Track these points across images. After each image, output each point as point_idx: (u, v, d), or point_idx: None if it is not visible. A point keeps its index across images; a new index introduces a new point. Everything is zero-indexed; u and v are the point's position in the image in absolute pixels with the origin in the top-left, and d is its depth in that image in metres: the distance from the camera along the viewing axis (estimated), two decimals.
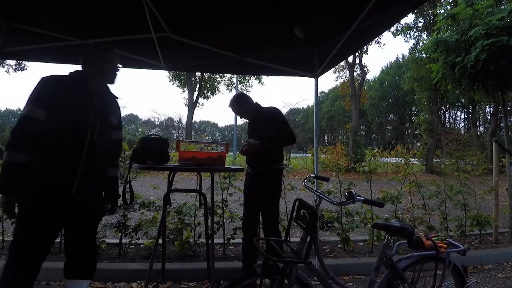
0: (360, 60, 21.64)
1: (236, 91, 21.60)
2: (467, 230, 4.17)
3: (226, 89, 26.23)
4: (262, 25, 2.56)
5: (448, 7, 9.99)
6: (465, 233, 4.15)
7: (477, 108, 31.02)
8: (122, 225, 3.18)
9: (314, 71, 3.15)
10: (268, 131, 2.49)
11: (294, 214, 1.61)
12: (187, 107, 26.49)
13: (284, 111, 22.97)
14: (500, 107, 4.54)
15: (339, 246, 3.71)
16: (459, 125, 39.77)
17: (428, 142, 20.60)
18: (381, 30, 2.42)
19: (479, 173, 4.41)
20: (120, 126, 1.88)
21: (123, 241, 3.23)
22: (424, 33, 20.49)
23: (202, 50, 2.94)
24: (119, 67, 1.76)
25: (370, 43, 19.84)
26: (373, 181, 4.16)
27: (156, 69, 3.26)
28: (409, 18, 22.38)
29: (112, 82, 1.77)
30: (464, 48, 4.28)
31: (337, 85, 31.80)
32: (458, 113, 39.27)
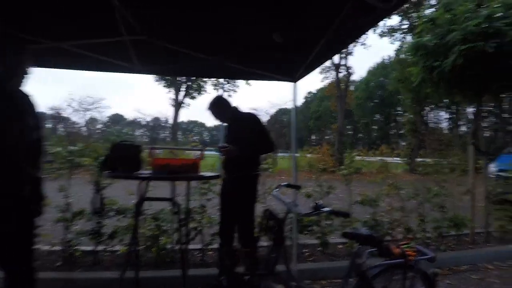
0: (346, 61, 21.86)
1: (223, 91, 21.52)
2: (445, 232, 4.27)
3: (214, 89, 26.03)
4: (242, 29, 2.52)
5: (429, 11, 10.17)
6: (442, 234, 4.25)
7: (459, 108, 31.83)
8: (96, 232, 3.10)
9: (293, 76, 3.15)
10: (244, 137, 2.46)
11: (264, 224, 1.60)
12: (173, 107, 26.24)
13: (271, 111, 22.98)
14: (480, 108, 4.67)
15: (318, 249, 3.73)
16: (442, 125, 40.71)
17: (411, 141, 21.04)
18: (354, 36, 2.44)
19: (458, 175, 4.52)
20: (38, 126, 1.80)
21: (99, 248, 3.15)
22: (409, 35, 20.87)
23: (180, 53, 2.88)
24: (30, 69, 1.73)
25: (347, 48, 19.98)
26: (357, 181, 4.21)
27: (132, 73, 3.17)
28: (395, 21, 22.74)
29: (20, 84, 1.73)
30: (442, 52, 4.35)
31: (324, 85, 32.02)
32: (442, 113, 40.16)
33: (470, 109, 18.38)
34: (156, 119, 54.66)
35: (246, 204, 2.53)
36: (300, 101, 73.60)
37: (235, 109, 2.76)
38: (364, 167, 19.51)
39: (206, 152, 2.99)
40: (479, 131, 7.82)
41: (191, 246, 3.36)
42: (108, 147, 2.31)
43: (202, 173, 2.48)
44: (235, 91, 25.07)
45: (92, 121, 39.41)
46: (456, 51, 3.93)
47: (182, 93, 26.42)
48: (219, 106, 2.73)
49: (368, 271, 1.74)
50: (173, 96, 26.25)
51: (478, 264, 3.75)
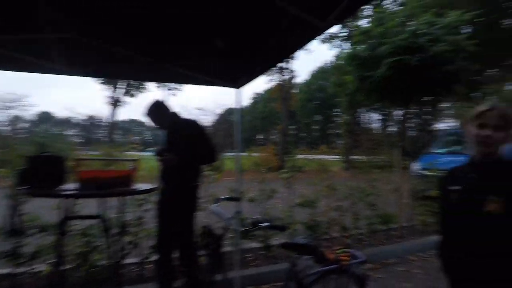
0: (290, 65, 22.66)
1: (167, 90, 20.62)
2: (375, 228, 4.66)
3: (156, 87, 24.89)
4: (184, 31, 2.40)
5: (364, 21, 11.05)
6: (373, 230, 4.63)
7: (389, 111, 35.16)
8: (14, 253, 2.71)
9: (236, 82, 3.12)
10: (185, 145, 2.34)
11: (201, 241, 1.54)
12: (110, 105, 24.44)
13: (218, 111, 22.75)
14: (406, 111, 5.22)
15: (261, 253, 3.78)
16: (374, 125, 44.65)
17: (347, 141, 22.72)
18: (299, 45, 2.48)
19: (387, 172, 4.95)
20: None
21: (18, 270, 2.75)
22: (347, 43, 22.40)
23: (116, 54, 2.63)
24: None
25: (288, 60, 20.72)
26: (299, 179, 4.34)
27: (56, 74, 2.82)
28: (334, 28, 24.21)
29: None
30: (374, 63, 4.72)
31: (270, 86, 32.75)
32: (374, 114, 44.05)
33: (398, 112, 20.55)
34: (91, 118, 50.45)
35: (185, 216, 2.40)
36: (247, 101, 74.21)
37: (174, 114, 2.62)
38: (306, 165, 20.55)
39: (147, 154, 2.80)
40: (405, 132, 8.72)
41: (127, 261, 3.14)
42: (27, 156, 2.01)
43: (137, 186, 2.30)
44: (179, 90, 24.24)
45: (15, 120, 34.80)
46: (386, 63, 4.31)
47: (121, 91, 24.73)
48: (157, 112, 2.57)
49: (305, 279, 1.79)
50: (110, 94, 24.47)
51: (404, 257, 4.15)
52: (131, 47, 2.59)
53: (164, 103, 2.67)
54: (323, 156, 24.86)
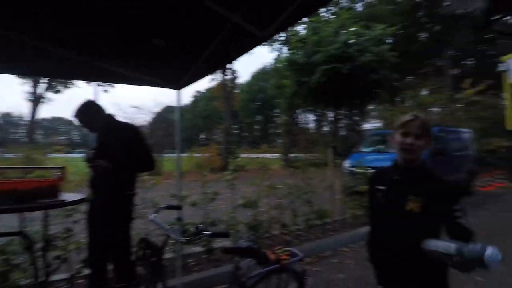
0: (232, 65, 22.78)
1: (97, 86, 18.95)
2: (312, 223, 4.97)
3: (85, 82, 22.66)
4: (120, 29, 2.23)
5: (301, 27, 11.63)
6: (310, 225, 4.93)
7: (323, 112, 37.63)
8: None
9: (177, 84, 3.04)
10: (120, 152, 2.15)
11: (139, 254, 1.47)
12: (31, 102, 21.56)
13: (155, 110, 21.73)
14: (339, 112, 5.66)
15: (204, 257, 3.74)
16: (310, 125, 47.38)
17: (286, 140, 23.76)
18: (240, 53, 2.50)
19: (321, 169, 5.30)
20: None
21: None
22: (285, 47, 23.33)
23: (42, 51, 2.33)
24: None
25: (229, 65, 20.91)
26: (242, 178, 4.39)
27: None
28: None
29: None
30: (310, 70, 5.01)
31: (212, 85, 32.42)
32: (310, 115, 46.74)
33: (331, 114, 22.14)
34: (7, 116, 43.97)
35: (119, 227, 2.22)
36: (188, 99, 72.28)
37: (109, 117, 2.41)
38: (248, 164, 20.87)
39: (75, 155, 2.52)
40: (337, 132, 9.44)
41: (55, 277, 2.83)
42: None
43: (64, 195, 2.07)
44: (112, 86, 22.41)
45: None
46: (320, 70, 4.61)
47: (43, 86, 21.97)
48: (89, 113, 2.32)
49: (247, 281, 1.83)
50: (31, 89, 21.59)
51: (338, 249, 4.49)
52: (62, 44, 2.33)
53: (97, 103, 2.44)
54: (264, 155, 25.56)
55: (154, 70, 2.91)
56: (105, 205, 2.16)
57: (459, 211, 1.29)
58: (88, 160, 2.19)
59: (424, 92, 16.44)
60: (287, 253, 2.04)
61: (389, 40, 20.32)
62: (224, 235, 1.47)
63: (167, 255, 2.74)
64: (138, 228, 3.42)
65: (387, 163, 1.59)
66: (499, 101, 16.93)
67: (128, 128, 2.35)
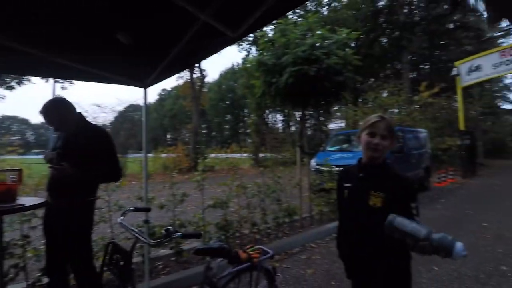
0: (200, 64, 22.47)
1: (54, 82, 17.77)
2: (281, 221, 5.06)
3: (42, 79, 21.04)
4: (82, 23, 2.11)
5: (270, 28, 11.77)
6: (279, 223, 5.01)
7: (290, 112, 38.38)
8: None
9: (143, 82, 2.95)
10: (87, 157, 2.01)
11: (107, 259, 1.42)
12: None
13: (118, 108, 20.87)
14: (306, 112, 5.80)
15: (172, 259, 3.67)
16: (278, 125, 48.18)
17: (255, 140, 23.95)
18: (209, 52, 2.48)
19: (289, 168, 5.42)
20: None
21: None
22: (254, 47, 23.46)
23: None
24: None
25: (199, 63, 20.78)
26: (211, 178, 4.35)
27: None
28: None
29: None
30: (278, 71, 5.09)
31: (179, 84, 31.70)
32: (278, 115, 47.53)
33: (298, 114, 22.61)
34: None
35: (79, 233, 2.07)
36: (154, 98, 70.18)
37: (80, 117, 2.22)
38: (217, 164, 20.72)
39: (31, 157, 2.32)
40: (304, 131, 9.68)
41: (12, 287, 2.63)
42: None
43: (20, 199, 1.92)
44: (72, 83, 21.02)
45: None
46: (288, 72, 4.70)
47: None
48: (60, 111, 2.11)
49: (219, 281, 1.84)
50: None
51: (306, 245, 4.62)
52: (16, 37, 2.16)
53: (68, 101, 2.25)
54: (234, 154, 25.51)
55: (119, 67, 2.80)
56: (64, 210, 2.01)
57: (415, 209, 1.39)
58: (50, 161, 2.03)
59: (384, 94, 17.42)
60: (257, 251, 2.07)
61: (353, 44, 21.29)
62: (196, 236, 1.46)
63: (134, 259, 2.65)
64: (103, 233, 3.29)
65: (351, 161, 1.67)
66: (452, 103, 18.39)
67: (99, 133, 2.18)
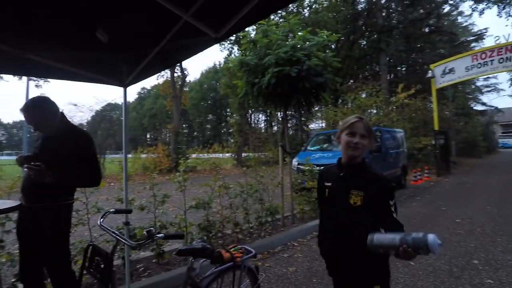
0: (181, 63, 22.15)
1: (28, 80, 16.98)
2: (263, 220, 5.08)
3: (14, 76, 20.05)
4: (58, 17, 2.03)
5: (252, 30, 11.82)
6: (262, 222, 5.04)
7: (272, 112, 38.63)
8: None
9: (123, 81, 2.89)
10: (68, 161, 1.94)
11: (87, 262, 1.38)
12: None
13: (96, 108, 20.26)
14: (287, 113, 5.87)
15: (153, 261, 3.61)
16: (261, 125, 48.40)
17: (238, 140, 23.93)
18: (191, 52, 2.45)
19: (272, 167, 5.45)
20: None
21: None
22: (236, 46, 23.43)
23: None
24: None
25: (180, 63, 20.58)
26: (193, 179, 4.31)
27: None
28: None
29: None
30: (260, 71, 5.11)
31: (159, 82, 31.14)
32: (261, 115, 47.76)
33: (280, 114, 22.85)
34: None
35: (54, 241, 2.00)
36: (133, 96, 68.63)
37: (63, 118, 2.13)
38: (199, 165, 20.53)
39: (3, 158, 2.21)
40: (286, 131, 9.78)
41: None
42: None
43: None
44: (46, 81, 20.18)
45: None
46: (270, 72, 4.74)
47: None
48: (43, 111, 2.01)
49: (202, 281, 1.83)
50: None
51: (288, 243, 4.67)
52: None
53: (50, 101, 2.11)
54: (216, 154, 25.36)
55: (97, 65, 2.73)
56: (40, 213, 1.94)
57: (393, 206, 1.45)
58: (25, 161, 1.94)
59: (363, 95, 17.88)
60: (240, 250, 2.08)
61: (333, 46, 21.69)
62: (178, 236, 1.44)
63: (115, 262, 2.59)
64: (81, 236, 3.19)
65: (332, 160, 1.72)
66: (427, 104, 19.13)
67: (82, 137, 2.11)
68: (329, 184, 1.60)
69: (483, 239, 4.63)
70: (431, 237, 1.22)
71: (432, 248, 1.20)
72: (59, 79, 2.75)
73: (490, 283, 3.16)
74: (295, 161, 9.25)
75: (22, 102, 2.26)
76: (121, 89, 2.97)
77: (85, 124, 18.99)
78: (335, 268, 1.60)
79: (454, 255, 3.98)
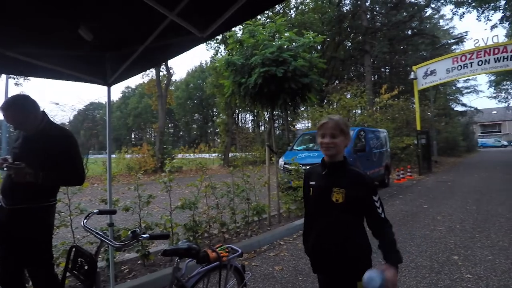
0: (166, 62, 21.88)
1: (6, 78, 16.37)
2: (250, 219, 5.10)
3: None
4: (39, 13, 1.97)
5: (238, 30, 11.81)
6: (248, 222, 5.05)
7: (259, 112, 38.71)
8: None
9: (106, 79, 2.84)
10: (50, 160, 1.90)
11: (70, 263, 1.36)
12: None
13: (79, 107, 19.79)
14: (274, 113, 5.90)
15: (139, 262, 3.56)
16: (248, 125, 48.42)
17: (225, 140, 23.84)
18: (177, 51, 2.43)
19: (259, 167, 5.47)
20: None
21: None
22: (222, 46, 23.33)
23: None
24: None
25: (165, 62, 20.42)
26: (179, 179, 4.27)
27: None
28: None
29: None
30: (247, 71, 5.13)
31: (144, 81, 30.63)
32: (248, 115, 47.79)
33: (267, 114, 22.93)
34: None
35: (37, 241, 1.96)
36: (117, 95, 67.35)
37: (45, 116, 2.07)
38: (185, 165, 20.34)
39: None
40: (272, 131, 9.83)
41: None
42: None
43: None
44: (27, 79, 19.55)
45: None
46: (257, 72, 4.76)
47: None
48: (20, 109, 1.96)
49: (188, 282, 1.83)
50: None
51: (274, 242, 4.70)
52: None
53: (31, 99, 2.06)
54: (202, 155, 25.20)
55: (81, 64, 2.67)
56: (21, 214, 1.89)
57: (377, 202, 1.49)
58: (5, 160, 1.88)
59: (348, 95, 18.18)
60: (226, 250, 2.09)
61: (319, 47, 21.94)
62: (164, 237, 1.43)
63: (98, 264, 2.55)
64: (64, 238, 3.12)
65: (317, 160, 1.75)
66: (410, 105, 19.64)
67: (65, 136, 2.06)
68: (313, 183, 1.64)
69: (462, 235, 4.80)
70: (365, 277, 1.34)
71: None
72: (41, 77, 2.68)
73: (469, 278, 3.28)
74: (281, 161, 9.33)
75: (1, 100, 2.19)
76: (105, 87, 2.93)
77: (67, 123, 18.50)
78: (319, 265, 1.63)
79: (435, 251, 4.10)
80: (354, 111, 18.04)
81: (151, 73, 24.00)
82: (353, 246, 1.49)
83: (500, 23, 18.67)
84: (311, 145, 10.11)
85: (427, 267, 3.59)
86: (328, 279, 1.63)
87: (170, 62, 23.87)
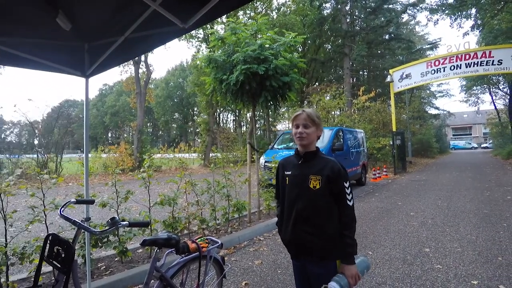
0: (146, 59, 21.44)
1: None
2: (230, 216, 5.11)
3: None
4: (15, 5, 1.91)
5: (220, 29, 11.77)
6: (228, 219, 5.06)
7: (241, 112, 38.68)
8: None
9: (84, 71, 2.77)
10: None
11: (47, 252, 1.33)
12: None
13: (53, 104, 19.02)
14: (256, 113, 5.94)
15: (116, 259, 3.49)
16: (229, 125, 48.22)
17: (206, 139, 23.64)
18: (157, 43, 2.41)
19: (240, 166, 5.49)
20: None
21: None
22: (204, 44, 23.14)
23: None
24: None
25: (145, 54, 20.07)
26: (158, 178, 4.21)
27: None
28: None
29: None
30: (229, 68, 5.14)
31: (122, 79, 29.83)
32: (229, 115, 47.61)
33: (248, 114, 22.98)
34: None
35: None
36: (94, 93, 65.20)
37: None
38: (164, 165, 19.98)
39: None
40: (254, 130, 9.89)
41: None
42: None
43: None
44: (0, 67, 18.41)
45: None
46: (238, 69, 4.78)
47: None
48: None
49: (167, 272, 1.83)
50: None
51: (254, 238, 4.75)
52: None
53: None
54: (182, 154, 24.82)
55: (57, 53, 2.59)
56: None
57: (348, 189, 1.57)
58: None
59: (327, 97, 18.55)
60: (206, 241, 2.10)
61: (300, 49, 22.22)
62: (144, 224, 1.43)
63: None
64: (37, 234, 3.01)
65: None
66: (386, 107, 20.29)
67: None
68: (289, 172, 1.71)
69: (433, 229, 5.03)
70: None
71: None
72: (14, 66, 2.57)
73: (439, 268, 3.45)
74: (262, 159, 9.41)
75: None
76: (81, 84, 2.85)
77: (40, 121, 17.69)
78: (298, 250, 1.68)
79: (407, 244, 4.29)
80: (333, 112, 18.42)
81: (130, 70, 23.42)
82: (331, 227, 1.56)
83: (471, 31, 19.65)
84: (291, 144, 10.25)
85: (400, 259, 3.75)
86: (303, 263, 1.68)
87: (150, 60, 23.40)
